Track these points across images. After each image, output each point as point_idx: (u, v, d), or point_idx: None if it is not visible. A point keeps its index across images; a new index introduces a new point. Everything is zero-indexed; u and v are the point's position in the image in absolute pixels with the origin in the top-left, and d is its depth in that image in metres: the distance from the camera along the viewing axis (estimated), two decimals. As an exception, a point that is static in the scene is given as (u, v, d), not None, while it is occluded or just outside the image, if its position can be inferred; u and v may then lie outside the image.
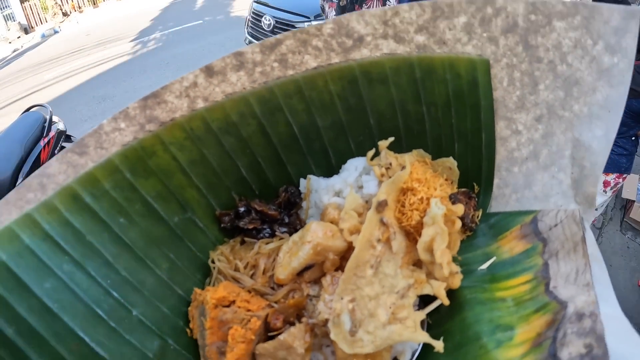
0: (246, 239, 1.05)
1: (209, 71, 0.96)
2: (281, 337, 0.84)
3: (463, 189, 1.04)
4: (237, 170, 1.08)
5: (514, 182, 0.99)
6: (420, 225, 0.91)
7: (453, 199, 0.99)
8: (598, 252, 0.72)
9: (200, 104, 1.01)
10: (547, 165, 0.93)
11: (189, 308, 0.94)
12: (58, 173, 0.87)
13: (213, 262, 1.01)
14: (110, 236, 0.89)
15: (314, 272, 0.91)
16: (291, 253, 0.91)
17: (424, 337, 0.80)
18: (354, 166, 1.06)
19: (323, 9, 3.42)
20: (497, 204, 1.02)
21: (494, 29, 0.90)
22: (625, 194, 3.47)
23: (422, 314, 0.84)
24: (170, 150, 0.97)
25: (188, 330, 0.93)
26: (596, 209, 2.89)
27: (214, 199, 1.07)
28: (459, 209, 0.92)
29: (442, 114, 1.02)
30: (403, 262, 0.91)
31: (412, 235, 0.94)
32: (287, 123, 1.06)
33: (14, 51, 10.12)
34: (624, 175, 2.58)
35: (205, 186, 1.05)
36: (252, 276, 0.97)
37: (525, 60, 0.90)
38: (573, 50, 0.85)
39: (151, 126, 0.97)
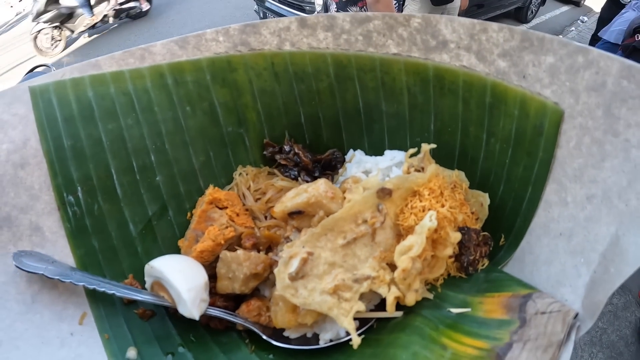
0: (275, 170, 1.12)
1: (302, 22, 1.06)
2: (240, 252, 0.92)
3: (485, 232, 0.98)
4: (297, 115, 1.15)
5: (539, 253, 0.88)
6: (411, 230, 0.90)
7: (463, 231, 0.94)
8: None
9: (287, 47, 1.10)
10: (576, 252, 0.79)
11: (199, 197, 1.06)
12: (157, 53, 1.05)
13: (239, 174, 1.11)
14: (173, 115, 1.06)
15: (302, 219, 0.95)
16: (293, 196, 0.97)
17: (349, 325, 0.80)
18: (392, 156, 1.06)
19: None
20: (512, 267, 0.92)
21: (579, 81, 0.81)
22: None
23: (361, 305, 0.83)
24: (249, 73, 1.11)
25: (189, 214, 1.05)
26: None
27: (268, 129, 1.16)
28: (455, 237, 0.88)
29: (499, 150, 0.95)
30: (380, 256, 0.91)
31: (400, 237, 0.93)
32: (355, 95, 1.10)
33: (17, 14, 9.51)
34: None
35: (266, 115, 1.15)
36: (256, 200, 1.05)
37: (600, 128, 0.77)
38: None
39: (242, 48, 1.11)
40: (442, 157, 0.96)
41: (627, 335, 2.50)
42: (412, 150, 1.01)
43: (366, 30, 1.02)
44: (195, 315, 0.83)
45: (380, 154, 1.11)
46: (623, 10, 3.17)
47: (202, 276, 0.88)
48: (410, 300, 0.85)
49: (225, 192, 1.01)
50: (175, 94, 1.05)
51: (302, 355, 0.86)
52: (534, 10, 6.97)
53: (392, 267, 0.89)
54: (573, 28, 6.98)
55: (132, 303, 0.94)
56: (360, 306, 0.83)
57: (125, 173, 1.00)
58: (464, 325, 0.77)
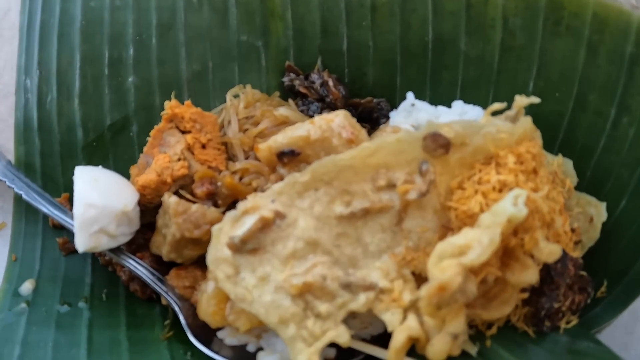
0: (289, 102, 0.88)
1: None
2: (172, 199, 0.66)
3: (584, 273, 0.62)
4: (339, 39, 0.90)
5: None
6: (470, 220, 0.51)
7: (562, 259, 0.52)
8: None
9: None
10: None
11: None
12: None
13: (235, 96, 0.86)
14: (172, 4, 0.90)
15: (295, 166, 0.65)
16: (291, 129, 0.66)
17: None
18: (464, 110, 0.78)
19: None
20: (611, 337, 0.68)
21: None
22: None
23: (344, 334, 0.49)
24: None
25: None
26: None
27: (295, 50, 0.92)
28: (551, 252, 0.50)
29: (633, 138, 0.70)
30: (403, 255, 0.53)
31: (448, 230, 0.52)
32: (424, 21, 0.84)
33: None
34: None
35: (296, 30, 0.91)
36: (244, 131, 0.78)
37: None
38: None
39: None
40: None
41: None
42: (497, 105, 0.65)
43: None
44: (80, 245, 0.68)
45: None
46: None
47: (122, 202, 0.70)
48: (438, 351, 0.48)
49: (194, 109, 0.76)
50: None
51: None
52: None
53: (420, 280, 0.54)
54: None
55: (59, 229, 0.85)
56: (342, 334, 0.50)
57: (92, 64, 0.88)
58: None
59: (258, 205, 0.51)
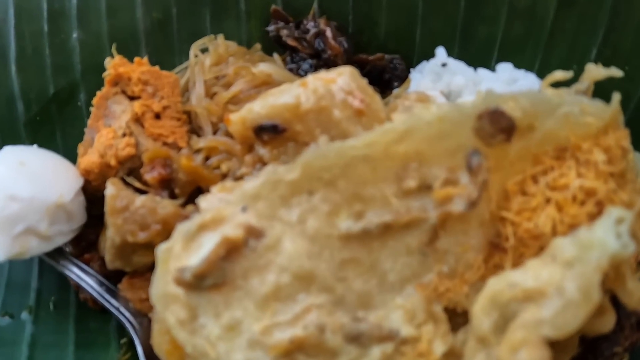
0: (275, 57, 0.75)
1: None
2: (110, 191, 0.53)
3: None
4: None
5: None
6: (535, 243, 0.38)
7: None
8: None
9: None
10: None
11: None
12: None
13: (203, 50, 0.73)
14: None
15: (280, 145, 0.51)
16: (274, 93, 0.52)
17: None
18: (513, 76, 0.67)
19: None
20: None
21: None
22: None
23: None
24: None
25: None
26: None
27: None
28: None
29: None
30: (434, 286, 0.39)
31: (498, 250, 0.39)
32: None
33: None
34: None
35: None
36: (212, 96, 0.63)
37: None
38: None
39: None
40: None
41: None
42: (560, 74, 0.48)
43: None
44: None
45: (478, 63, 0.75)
46: None
47: (57, 192, 0.60)
48: None
49: (145, 68, 0.64)
50: None
51: None
52: None
53: (455, 316, 0.41)
54: None
55: None
56: None
57: (29, 21, 0.78)
58: None
59: (222, 217, 0.35)
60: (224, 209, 0.37)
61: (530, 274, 0.34)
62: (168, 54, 0.81)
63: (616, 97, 0.44)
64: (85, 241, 0.66)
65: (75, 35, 0.80)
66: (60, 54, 0.80)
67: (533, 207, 0.39)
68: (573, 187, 0.38)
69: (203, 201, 0.43)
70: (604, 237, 0.33)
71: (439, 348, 0.38)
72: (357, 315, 0.37)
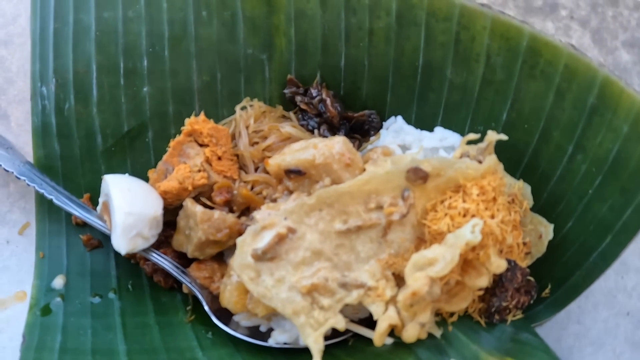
0: (290, 115, 0.94)
1: None
2: (199, 209, 0.74)
3: (531, 278, 0.71)
4: (337, 56, 0.94)
5: (589, 327, 0.76)
6: (440, 237, 0.64)
7: (508, 265, 0.66)
8: None
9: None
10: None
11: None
12: None
13: (242, 108, 0.92)
14: (184, 17, 0.91)
15: (301, 183, 0.74)
16: (298, 149, 0.75)
17: (315, 344, 0.61)
18: (444, 136, 0.85)
19: None
20: (548, 331, 0.76)
21: None
22: None
23: (340, 321, 0.62)
24: None
25: (172, 141, 0.87)
26: None
27: (297, 63, 0.96)
28: (499, 266, 0.63)
29: (584, 173, 0.76)
30: (386, 260, 0.66)
31: (422, 241, 0.66)
32: (417, 48, 0.87)
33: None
34: None
35: (298, 45, 0.95)
36: (253, 144, 0.86)
37: None
38: None
39: None
40: (503, 160, 0.74)
41: None
42: (472, 136, 0.75)
43: None
44: (122, 249, 0.74)
45: (429, 130, 0.90)
46: None
47: (153, 208, 0.76)
48: (410, 335, 0.62)
49: (211, 125, 0.82)
50: None
51: (245, 345, 0.74)
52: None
53: (399, 279, 0.66)
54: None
55: (82, 227, 0.89)
56: (339, 322, 0.62)
57: (108, 74, 0.89)
58: None
59: (274, 222, 0.64)
60: (274, 218, 0.64)
61: (432, 251, 0.60)
62: (214, 106, 0.94)
63: (490, 158, 0.68)
64: (158, 240, 0.80)
65: (145, 89, 0.90)
66: (133, 102, 0.90)
67: (438, 218, 0.65)
68: (459, 208, 0.64)
69: (257, 214, 0.66)
70: (465, 233, 0.59)
71: (389, 293, 0.63)
72: (344, 274, 0.63)
